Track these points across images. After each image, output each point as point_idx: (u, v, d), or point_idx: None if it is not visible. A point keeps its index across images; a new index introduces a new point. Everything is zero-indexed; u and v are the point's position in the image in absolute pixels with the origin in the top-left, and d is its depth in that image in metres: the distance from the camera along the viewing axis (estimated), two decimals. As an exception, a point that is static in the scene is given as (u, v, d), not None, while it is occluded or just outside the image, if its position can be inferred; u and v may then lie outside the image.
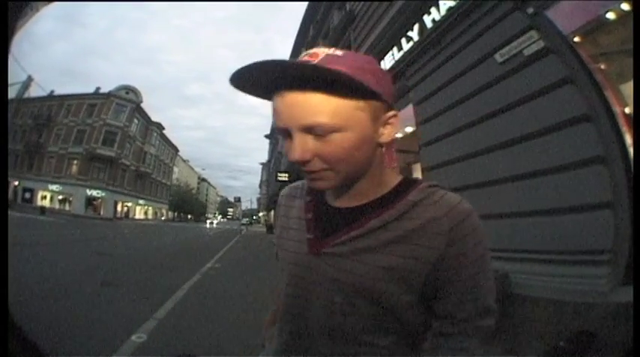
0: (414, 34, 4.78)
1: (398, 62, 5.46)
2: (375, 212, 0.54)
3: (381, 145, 0.54)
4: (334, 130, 0.47)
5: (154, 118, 40.54)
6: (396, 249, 0.52)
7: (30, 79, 36.61)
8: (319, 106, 0.46)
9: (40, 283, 4.36)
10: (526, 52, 2.87)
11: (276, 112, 0.50)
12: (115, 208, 34.78)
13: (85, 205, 32.26)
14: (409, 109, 5.35)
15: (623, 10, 2.14)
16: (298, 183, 0.69)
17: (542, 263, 2.70)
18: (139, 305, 3.86)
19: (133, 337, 2.88)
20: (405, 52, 5.16)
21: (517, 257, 2.95)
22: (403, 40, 5.13)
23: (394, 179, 0.58)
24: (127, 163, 35.99)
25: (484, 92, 3.63)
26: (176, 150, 51.28)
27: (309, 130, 0.47)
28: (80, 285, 4.61)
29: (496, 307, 0.56)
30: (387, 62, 5.80)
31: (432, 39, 4.42)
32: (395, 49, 5.46)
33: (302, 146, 0.48)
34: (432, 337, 0.55)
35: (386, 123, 0.53)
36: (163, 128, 42.86)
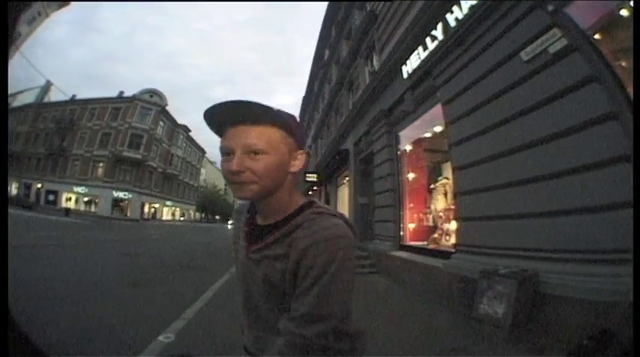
0: (439, 32, 4.87)
1: (424, 61, 5.55)
2: (274, 231, 0.77)
3: (291, 173, 0.77)
4: (264, 152, 0.70)
5: (180, 120, 40.92)
6: (280, 259, 0.74)
7: (49, 83, 38.44)
8: (259, 135, 0.70)
9: (61, 284, 4.42)
10: (551, 50, 2.91)
11: (226, 138, 0.72)
12: (142, 209, 35.33)
13: (112, 206, 32.90)
14: (437, 109, 5.42)
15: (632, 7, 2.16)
16: (244, 202, 0.92)
17: (570, 262, 2.74)
18: (168, 306, 3.90)
19: (161, 338, 2.90)
20: (431, 52, 5.25)
21: (546, 257, 3.00)
22: (428, 39, 5.23)
23: (297, 203, 0.79)
24: (154, 165, 36.40)
25: (512, 91, 3.67)
26: (203, 152, 51.21)
27: (248, 150, 0.70)
28: (106, 285, 4.68)
29: (327, 324, 0.69)
30: (413, 61, 5.91)
31: (456, 38, 4.50)
32: (420, 48, 5.56)
33: (240, 160, 0.70)
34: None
35: (296, 158, 0.77)
36: (189, 130, 43.50)
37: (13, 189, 33.31)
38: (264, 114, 0.70)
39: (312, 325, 0.70)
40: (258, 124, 0.71)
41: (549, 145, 3.18)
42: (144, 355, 2.53)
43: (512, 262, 3.40)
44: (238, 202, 0.94)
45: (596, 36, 2.63)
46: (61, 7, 30.96)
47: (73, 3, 31.45)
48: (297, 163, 0.77)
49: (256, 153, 0.70)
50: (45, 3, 28.64)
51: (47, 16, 29.88)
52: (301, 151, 0.78)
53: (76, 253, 7.98)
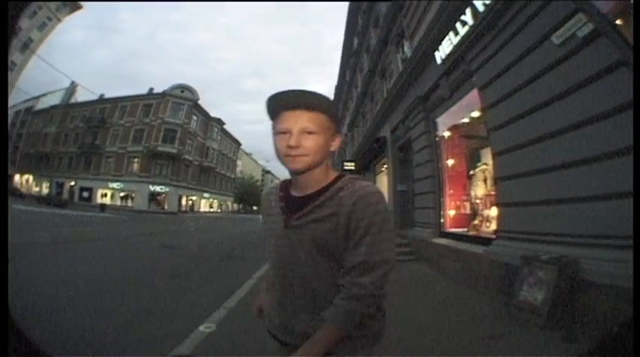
0: (468, 17, 4.79)
1: (456, 47, 5.47)
2: (317, 197, 0.91)
3: (330, 152, 0.94)
4: (315, 133, 0.88)
5: (214, 114, 41.54)
6: (329, 219, 0.87)
7: (74, 84, 39.69)
8: (312, 119, 0.88)
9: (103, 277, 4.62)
10: (579, 34, 2.85)
11: (284, 120, 0.88)
12: (180, 202, 35.95)
13: (149, 200, 33.38)
14: (474, 94, 5.35)
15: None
16: (272, 186, 1.09)
17: (611, 249, 2.74)
18: (209, 295, 3.95)
19: (201, 328, 2.85)
20: (462, 37, 5.17)
21: (586, 243, 3.01)
22: (458, 25, 5.15)
23: (332, 176, 0.95)
24: (190, 158, 37.02)
25: (548, 74, 3.60)
26: (238, 144, 52.57)
27: (304, 130, 0.87)
28: (145, 277, 4.83)
29: (380, 271, 0.83)
30: (446, 47, 5.83)
31: (486, 22, 4.42)
32: (451, 33, 5.48)
33: (298, 138, 0.87)
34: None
35: (334, 140, 0.94)
36: (223, 123, 44.08)
37: (44, 188, 34.77)
38: (318, 103, 0.88)
39: (367, 273, 0.83)
40: (312, 110, 0.88)
41: (587, 129, 3.13)
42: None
43: (552, 248, 3.42)
44: (267, 186, 1.16)
45: (618, 21, 2.56)
46: (72, 11, 31.79)
47: (86, 7, 32.30)
48: (335, 143, 0.95)
49: (309, 133, 0.87)
50: (53, 8, 29.40)
51: (59, 20, 30.83)
52: (338, 134, 0.96)
53: (116, 245, 8.28)
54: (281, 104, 0.89)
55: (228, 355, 2.49)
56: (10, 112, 39.74)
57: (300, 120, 0.87)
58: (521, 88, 4.11)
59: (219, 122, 43.12)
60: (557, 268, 3.14)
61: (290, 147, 0.87)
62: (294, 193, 0.98)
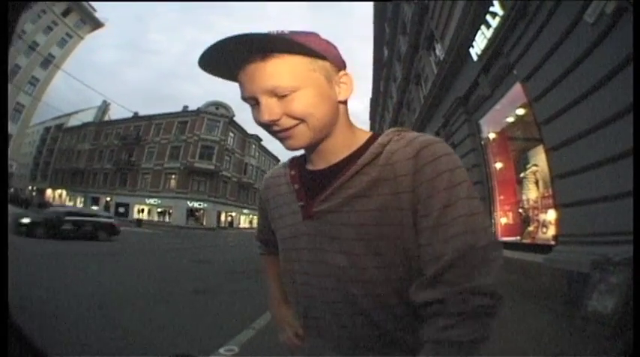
0: (497, 8, 4.75)
1: (491, 40, 5.43)
2: (351, 162, 0.61)
3: (341, 102, 0.63)
4: (294, 89, 0.55)
5: (252, 131, 42.09)
6: (377, 187, 0.58)
7: (105, 103, 42.57)
8: (277, 71, 0.55)
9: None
10: (607, 10, 2.76)
11: (242, 85, 0.58)
12: (219, 218, 36.30)
13: (187, 216, 33.89)
14: (517, 89, 5.20)
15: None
16: (279, 165, 0.78)
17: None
18: (237, 313, 3.85)
19: (222, 350, 2.68)
20: (495, 29, 5.13)
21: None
22: (488, 17, 5.11)
23: (365, 136, 0.66)
24: (228, 174, 37.73)
25: (591, 55, 3.45)
26: (277, 160, 51.45)
27: (272, 92, 0.56)
28: (175, 292, 4.96)
29: (494, 263, 0.51)
30: (480, 42, 5.78)
31: (517, 10, 4.36)
32: (483, 27, 5.45)
33: (269, 108, 0.56)
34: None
35: (339, 82, 0.62)
36: (261, 140, 44.53)
37: (78, 203, 36.66)
38: (272, 44, 0.55)
39: (481, 268, 0.51)
40: (272, 58, 0.55)
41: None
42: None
43: (624, 248, 3.10)
44: (270, 170, 0.79)
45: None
46: (93, 29, 33.38)
47: (109, 25, 33.97)
48: (344, 87, 0.63)
49: (283, 96, 0.56)
50: (72, 24, 30.83)
51: (81, 37, 32.31)
52: (343, 72, 0.63)
53: (157, 257, 9.05)
54: (221, 61, 0.57)
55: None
56: (39, 128, 44.65)
57: (259, 79, 0.56)
58: (567, 73, 3.96)
59: (257, 139, 44.13)
60: (631, 270, 2.86)
61: (265, 124, 0.59)
62: (311, 167, 0.69)
